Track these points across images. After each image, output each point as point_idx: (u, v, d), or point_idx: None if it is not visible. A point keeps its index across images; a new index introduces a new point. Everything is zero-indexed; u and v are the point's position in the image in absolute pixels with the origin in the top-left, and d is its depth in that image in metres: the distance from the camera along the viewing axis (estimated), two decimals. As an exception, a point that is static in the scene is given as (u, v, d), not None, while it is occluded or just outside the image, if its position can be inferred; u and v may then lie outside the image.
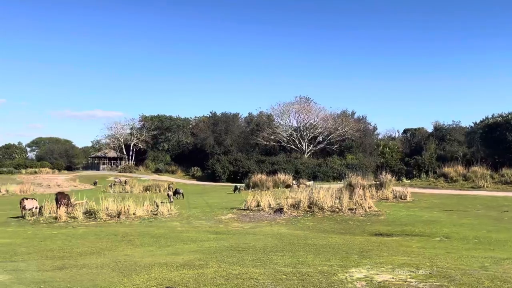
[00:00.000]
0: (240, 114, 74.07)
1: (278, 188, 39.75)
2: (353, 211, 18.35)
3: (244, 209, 20.28)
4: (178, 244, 11.26)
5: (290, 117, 66.92)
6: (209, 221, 17.45)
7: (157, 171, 69.28)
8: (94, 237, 12.84)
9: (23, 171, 63.20)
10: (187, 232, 14.07)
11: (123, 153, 79.55)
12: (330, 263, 7.95)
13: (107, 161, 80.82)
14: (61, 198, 20.32)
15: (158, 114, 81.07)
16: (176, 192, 36.81)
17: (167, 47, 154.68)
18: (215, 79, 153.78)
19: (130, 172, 68.00)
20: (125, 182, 49.94)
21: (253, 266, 7.71)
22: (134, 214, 19.11)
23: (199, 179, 62.37)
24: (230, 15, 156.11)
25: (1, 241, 12.05)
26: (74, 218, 18.10)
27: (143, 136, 77.57)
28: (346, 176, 34.29)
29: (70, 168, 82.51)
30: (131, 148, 77.64)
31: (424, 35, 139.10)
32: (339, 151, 60.83)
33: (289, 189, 32.21)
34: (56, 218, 17.96)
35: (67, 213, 18.61)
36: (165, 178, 62.64)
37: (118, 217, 18.46)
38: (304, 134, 63.98)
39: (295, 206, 19.32)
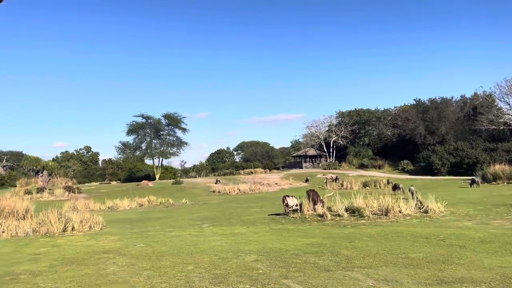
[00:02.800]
0: (453, 97, 65.03)
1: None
2: None
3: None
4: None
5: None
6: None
7: (362, 166, 66.85)
8: (400, 239, 10.84)
9: (241, 172, 69.90)
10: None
11: (323, 151, 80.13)
12: None
13: (308, 159, 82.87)
14: (313, 195, 19.68)
15: (355, 109, 78.82)
16: (395, 187, 33.47)
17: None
18: (415, 64, 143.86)
19: (335, 168, 67.52)
20: (336, 179, 49.08)
21: None
22: (400, 212, 16.79)
23: (411, 173, 57.10)
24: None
25: (309, 240, 11.14)
26: (339, 215, 16.89)
27: (342, 132, 76.42)
28: None
29: (277, 167, 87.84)
30: (331, 145, 77.47)
31: None
32: None
33: None
34: (321, 215, 17.09)
35: (326, 210, 17.60)
36: (373, 173, 59.62)
37: (386, 215, 16.41)
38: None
39: None
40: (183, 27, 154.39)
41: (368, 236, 11.50)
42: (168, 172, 75.98)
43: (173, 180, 56.79)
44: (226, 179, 58.44)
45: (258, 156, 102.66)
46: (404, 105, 76.11)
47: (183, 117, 71.81)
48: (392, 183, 39.84)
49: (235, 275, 7.49)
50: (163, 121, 70.61)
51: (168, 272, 8.00)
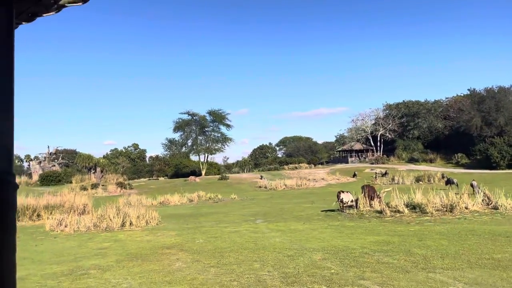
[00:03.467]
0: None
1: None
2: None
3: None
4: None
5: None
6: None
7: (412, 160, 64.26)
8: (476, 237, 10.00)
9: (286, 167, 69.44)
10: None
11: (370, 145, 77.94)
12: None
13: (354, 154, 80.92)
14: (369, 190, 18.92)
15: (403, 100, 75.87)
16: (448, 182, 31.81)
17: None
18: (467, 53, 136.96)
19: (383, 163, 65.39)
20: (386, 173, 47.45)
21: None
22: (466, 208, 15.71)
23: (467, 166, 54.14)
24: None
25: (375, 238, 10.60)
26: (399, 212, 16.08)
27: (390, 125, 73.87)
28: None
29: (321, 162, 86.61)
30: (378, 139, 75.16)
31: None
32: None
33: None
34: (380, 212, 16.36)
35: (385, 206, 16.81)
36: (424, 167, 57.11)
37: (451, 211, 15.41)
38: None
39: None
40: (221, 26, 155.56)
41: (439, 234, 10.76)
42: (213, 168, 76.95)
43: (219, 175, 57.36)
44: (271, 175, 58.20)
45: (301, 151, 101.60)
46: (457, 95, 72.31)
47: (227, 114, 72.41)
48: (446, 177, 37.94)
49: (306, 274, 7.14)
50: (208, 117, 71.49)
51: (235, 269, 7.79)
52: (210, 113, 70.98)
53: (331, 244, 10.13)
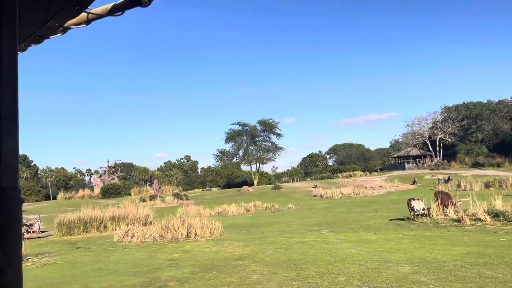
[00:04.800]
0: None
1: None
2: None
3: None
4: None
5: None
6: None
7: (476, 165, 60.25)
8: None
9: (339, 175, 67.72)
10: None
11: (428, 150, 74.23)
12: None
13: (411, 160, 77.39)
14: (442, 197, 17.64)
15: (463, 102, 71.70)
16: None
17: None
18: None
19: (444, 168, 61.85)
20: (449, 179, 44.68)
21: None
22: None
23: (541, 170, 49.87)
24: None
25: (464, 249, 9.62)
26: (480, 220, 14.77)
27: (449, 128, 69.95)
28: None
29: (376, 170, 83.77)
30: (437, 143, 71.37)
31: None
32: None
33: None
34: (458, 220, 15.13)
35: (463, 214, 15.52)
36: (491, 172, 53.24)
37: (542, 219, 13.91)
38: None
39: None
40: (268, 34, 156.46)
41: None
42: (264, 177, 76.81)
43: (272, 185, 56.99)
44: (325, 183, 56.92)
45: (353, 158, 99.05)
46: (523, 94, 67.15)
47: (277, 123, 72.12)
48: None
49: (402, 289, 6.48)
50: (258, 127, 71.62)
51: (319, 283, 7.29)
52: (261, 122, 71.08)
53: (415, 255, 9.33)
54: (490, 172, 52.96)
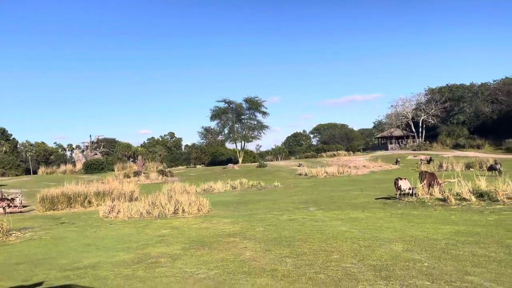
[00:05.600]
0: None
1: None
2: None
3: None
4: None
5: None
6: None
7: (457, 146, 61.52)
8: None
9: (323, 154, 68.25)
10: None
11: (411, 131, 75.23)
12: None
13: (393, 140, 78.48)
14: (429, 177, 17.86)
15: (447, 84, 72.46)
16: (491, 168, 30.35)
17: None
18: None
19: (425, 149, 62.98)
20: (431, 160, 45.52)
21: None
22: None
23: (519, 153, 51.24)
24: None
25: (453, 228, 9.70)
26: (465, 200, 15.01)
27: (432, 110, 70.80)
28: None
29: (359, 150, 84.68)
30: (420, 125, 72.32)
31: None
32: None
33: None
34: (443, 200, 15.36)
35: (449, 194, 15.76)
36: (471, 153, 54.50)
37: (527, 200, 14.20)
38: None
39: None
40: (253, 14, 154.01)
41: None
42: (248, 156, 76.85)
43: (257, 163, 57.08)
44: (310, 162, 57.33)
45: (336, 138, 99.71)
46: (506, 78, 68.17)
47: (263, 101, 71.71)
48: (500, 163, 35.89)
49: (397, 268, 6.49)
50: (244, 105, 71.11)
51: (314, 261, 7.25)
52: (247, 100, 70.58)
53: (406, 234, 9.40)
54: (470, 153, 54.18)
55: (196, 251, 8.65)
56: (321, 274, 6.32)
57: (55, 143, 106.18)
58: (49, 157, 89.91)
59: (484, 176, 18.86)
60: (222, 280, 6.27)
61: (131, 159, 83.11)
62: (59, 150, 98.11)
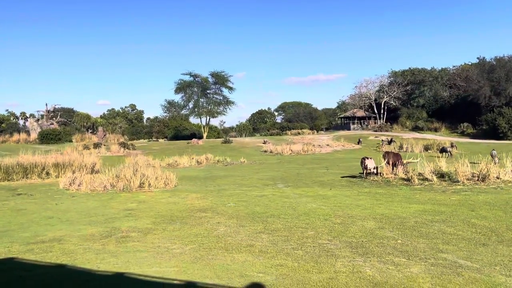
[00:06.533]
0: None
1: None
2: None
3: None
4: None
5: None
6: None
7: (416, 128, 63.77)
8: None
9: (288, 132, 68.79)
10: None
11: (373, 112, 77.11)
12: None
13: (356, 121, 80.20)
14: (393, 157, 18.35)
15: (409, 68, 74.37)
16: (443, 150, 31.79)
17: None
18: (475, 21, 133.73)
19: (386, 131, 64.87)
20: (392, 141, 46.96)
21: None
22: (498, 178, 15.22)
23: (472, 136, 53.82)
24: None
25: (420, 207, 9.97)
26: (427, 180, 15.58)
27: (395, 92, 72.72)
28: None
29: (322, 129, 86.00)
30: (382, 106, 74.23)
31: None
32: None
33: None
34: (407, 179, 15.86)
35: (413, 174, 16.30)
36: (428, 136, 56.67)
37: (483, 181, 14.92)
38: None
39: None
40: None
41: (487, 204, 10.24)
42: (212, 131, 76.20)
43: (222, 139, 56.73)
44: (274, 139, 57.65)
45: (301, 117, 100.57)
46: (464, 64, 70.90)
47: (230, 76, 70.69)
48: (456, 146, 37.65)
49: (373, 244, 6.59)
50: (210, 79, 69.82)
51: (289, 237, 7.24)
52: (213, 74, 69.26)
53: (376, 212, 9.60)
54: (428, 136, 56.37)
55: (168, 226, 8.42)
56: (298, 250, 6.30)
57: (6, 110, 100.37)
58: (0, 125, 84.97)
59: (439, 157, 19.63)
60: (199, 256, 6.11)
61: (90, 131, 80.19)
62: (11, 118, 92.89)
